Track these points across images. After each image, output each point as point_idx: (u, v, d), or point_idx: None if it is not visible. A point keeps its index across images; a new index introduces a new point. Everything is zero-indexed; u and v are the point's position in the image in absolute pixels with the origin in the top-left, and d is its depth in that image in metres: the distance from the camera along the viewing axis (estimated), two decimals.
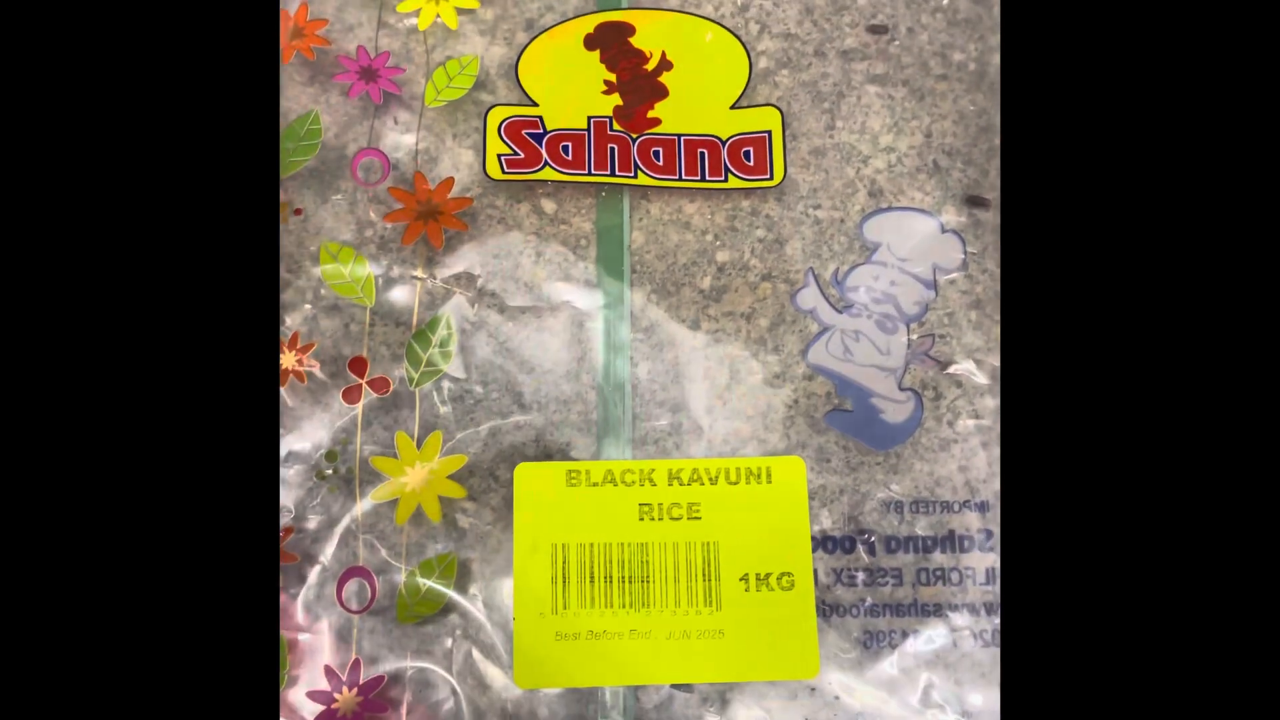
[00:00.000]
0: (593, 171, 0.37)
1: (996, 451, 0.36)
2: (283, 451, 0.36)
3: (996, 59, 0.40)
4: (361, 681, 0.34)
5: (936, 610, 0.35)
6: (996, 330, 0.37)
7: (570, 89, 0.39)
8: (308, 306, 0.37)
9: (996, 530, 0.35)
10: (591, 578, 0.34)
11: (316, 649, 0.34)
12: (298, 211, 0.38)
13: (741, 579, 0.34)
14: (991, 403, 0.36)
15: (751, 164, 0.38)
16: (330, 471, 0.35)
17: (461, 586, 0.35)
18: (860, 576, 0.35)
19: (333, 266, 0.37)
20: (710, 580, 0.34)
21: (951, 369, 0.37)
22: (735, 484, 0.35)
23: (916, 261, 0.38)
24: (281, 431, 0.36)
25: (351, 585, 0.34)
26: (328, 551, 0.35)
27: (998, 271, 0.38)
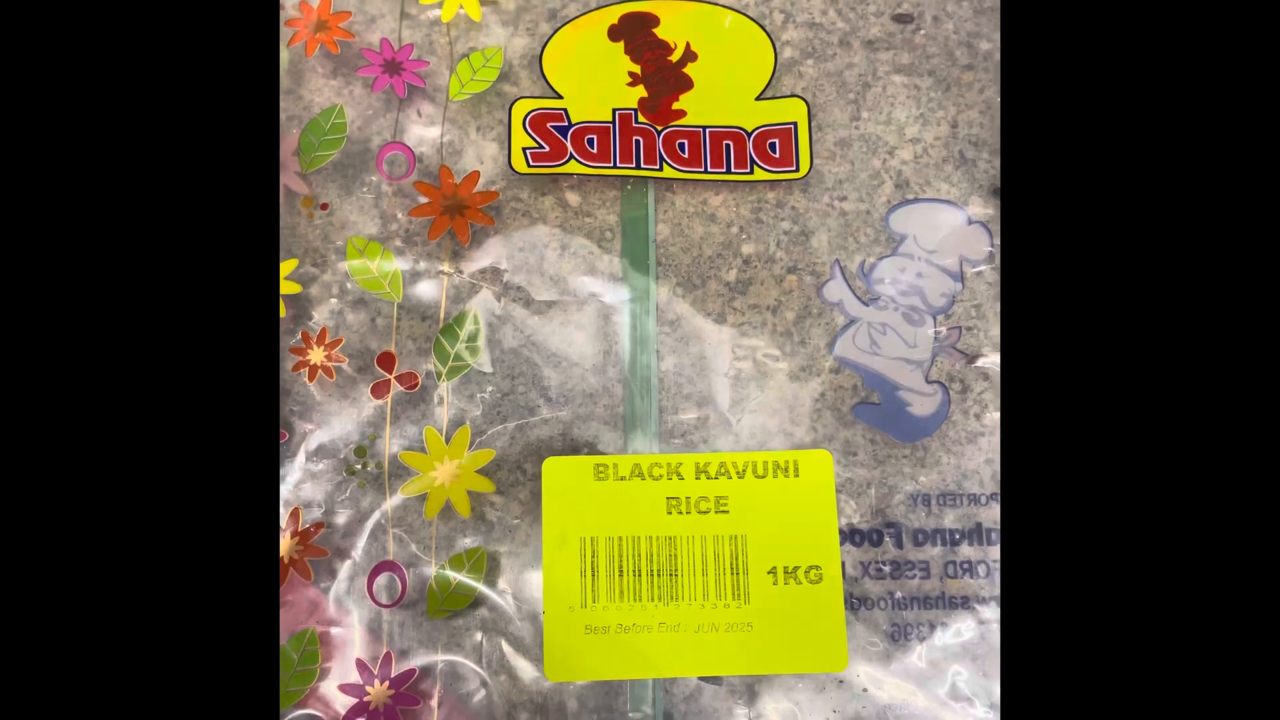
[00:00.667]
0: (618, 164, 0.37)
1: None
2: (311, 446, 0.36)
3: None
4: (393, 675, 0.34)
5: (964, 603, 0.35)
6: None
7: (595, 81, 0.38)
8: (334, 301, 0.37)
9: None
10: (620, 571, 0.34)
11: (348, 643, 0.34)
12: (323, 206, 0.38)
13: (769, 572, 0.34)
14: None
15: (777, 156, 0.38)
16: (360, 467, 0.35)
17: (491, 580, 0.35)
18: (888, 569, 0.35)
19: (360, 262, 0.37)
20: (738, 573, 0.34)
21: (979, 362, 0.37)
22: (763, 477, 0.35)
23: (943, 253, 0.37)
24: (310, 427, 0.36)
25: (382, 579, 0.35)
26: (358, 546, 0.35)
27: None
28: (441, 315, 0.37)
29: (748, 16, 0.39)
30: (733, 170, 0.38)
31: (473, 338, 0.36)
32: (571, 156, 0.37)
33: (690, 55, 0.39)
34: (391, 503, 0.35)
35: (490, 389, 0.36)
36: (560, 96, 0.38)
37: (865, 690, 0.34)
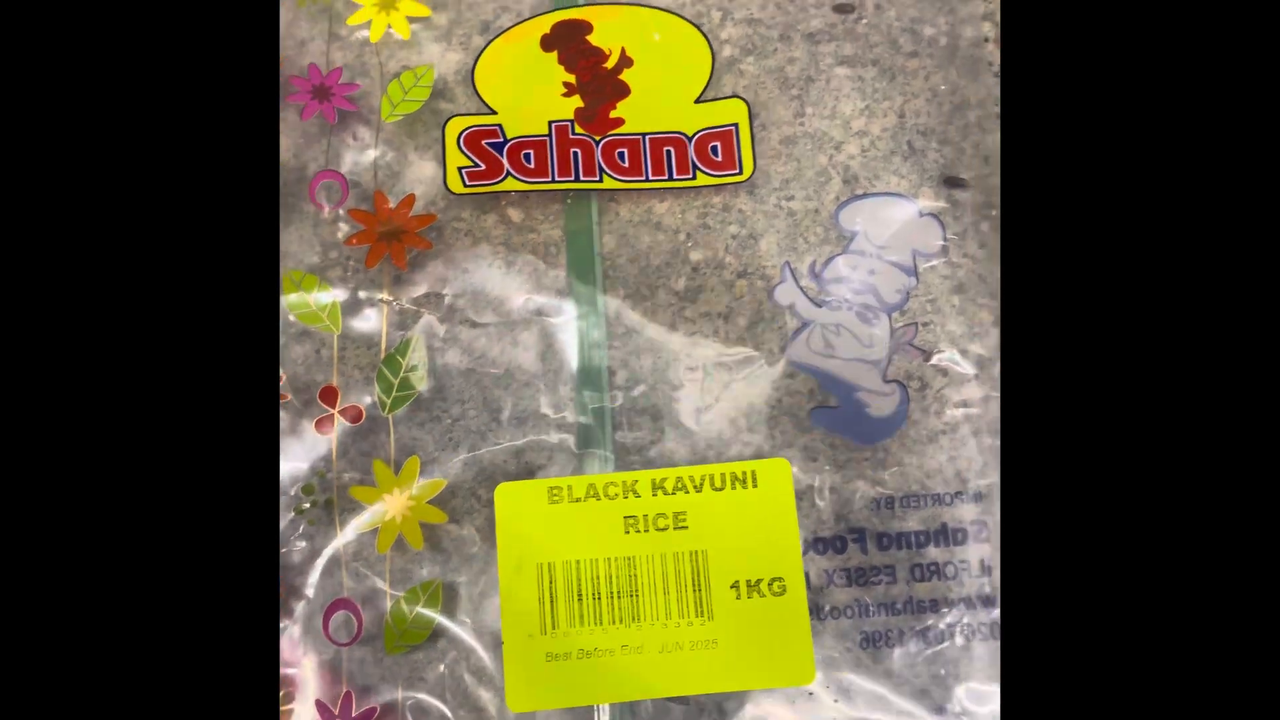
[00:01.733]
0: (556, 178, 0.37)
1: (987, 440, 0.35)
2: None
3: (969, 32, 0.39)
4: (354, 714, 0.33)
5: (933, 606, 0.34)
6: (981, 315, 0.36)
7: (529, 93, 0.38)
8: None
9: (991, 521, 0.35)
10: (579, 595, 0.34)
11: (306, 683, 0.34)
12: None
13: (732, 587, 0.34)
14: (979, 390, 0.35)
15: (719, 159, 0.37)
16: (308, 505, 0.35)
17: (449, 611, 0.34)
18: (853, 576, 0.34)
19: (297, 296, 0.36)
20: (700, 590, 0.34)
21: (935, 359, 0.36)
22: (720, 490, 0.34)
23: (895, 248, 0.37)
24: None
25: (338, 617, 0.34)
26: (312, 583, 0.34)
27: (979, 254, 0.37)
28: (384, 344, 0.36)
29: (683, 17, 0.38)
30: (675, 177, 0.37)
31: (417, 366, 0.36)
32: (508, 173, 0.37)
33: (626, 61, 0.38)
34: (344, 538, 0.35)
35: (439, 416, 0.36)
36: (494, 112, 0.37)
37: (836, 701, 0.33)
